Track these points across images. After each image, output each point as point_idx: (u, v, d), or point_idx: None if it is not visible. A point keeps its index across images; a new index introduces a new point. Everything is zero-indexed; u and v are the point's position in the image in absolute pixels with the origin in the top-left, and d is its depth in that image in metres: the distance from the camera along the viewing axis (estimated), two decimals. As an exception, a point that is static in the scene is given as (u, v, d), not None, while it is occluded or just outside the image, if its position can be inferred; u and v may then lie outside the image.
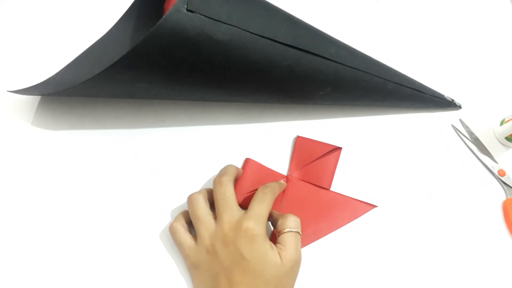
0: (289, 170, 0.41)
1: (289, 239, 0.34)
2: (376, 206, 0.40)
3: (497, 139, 0.46)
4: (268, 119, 0.45)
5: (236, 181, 0.38)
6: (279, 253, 0.33)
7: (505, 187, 0.43)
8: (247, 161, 0.40)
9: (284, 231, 0.34)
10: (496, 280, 0.39)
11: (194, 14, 0.33)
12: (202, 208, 0.35)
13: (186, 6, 0.33)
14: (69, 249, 0.37)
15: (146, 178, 0.41)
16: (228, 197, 0.35)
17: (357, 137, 0.45)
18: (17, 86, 0.41)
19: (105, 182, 0.40)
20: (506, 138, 0.45)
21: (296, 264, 0.34)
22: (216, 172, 0.41)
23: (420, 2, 0.54)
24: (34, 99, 0.43)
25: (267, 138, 0.44)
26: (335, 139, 0.44)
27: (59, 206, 0.39)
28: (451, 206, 0.42)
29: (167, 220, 0.39)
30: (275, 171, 0.41)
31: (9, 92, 0.40)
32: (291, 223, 0.35)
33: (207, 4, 0.34)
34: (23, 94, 0.41)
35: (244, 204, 0.37)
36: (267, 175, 0.40)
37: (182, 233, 0.35)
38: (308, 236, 0.38)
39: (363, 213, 0.40)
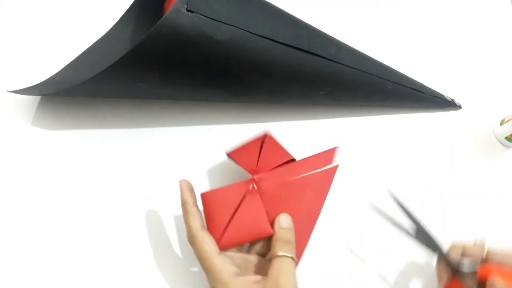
0: (256, 171, 0.35)
1: (276, 265, 0.30)
2: (336, 147, 0.36)
3: (497, 139, 0.46)
4: (268, 119, 0.45)
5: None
6: None
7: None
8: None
9: (276, 255, 0.31)
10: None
11: (194, 14, 0.33)
12: None
13: (186, 6, 0.33)
14: (70, 250, 0.37)
15: (146, 177, 0.41)
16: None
17: (357, 137, 0.45)
18: (17, 86, 0.41)
19: (105, 182, 0.40)
20: (506, 138, 0.45)
21: None
22: (215, 173, 0.41)
23: (420, 2, 0.54)
24: (34, 99, 0.43)
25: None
26: (335, 139, 0.44)
27: (59, 206, 0.39)
28: (451, 206, 0.42)
29: (166, 219, 0.39)
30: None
31: (9, 92, 0.40)
32: (280, 246, 0.31)
33: (207, 4, 0.34)
34: (23, 94, 0.41)
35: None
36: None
37: None
38: (308, 223, 0.35)
39: (331, 162, 0.36)
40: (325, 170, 0.35)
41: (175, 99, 0.44)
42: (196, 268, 0.37)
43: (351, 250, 0.39)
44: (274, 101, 0.43)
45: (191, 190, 0.33)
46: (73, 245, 0.37)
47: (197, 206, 0.33)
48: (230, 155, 0.36)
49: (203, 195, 0.33)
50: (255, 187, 0.34)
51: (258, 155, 0.35)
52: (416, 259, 0.39)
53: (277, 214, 0.33)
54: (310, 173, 0.35)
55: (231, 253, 0.33)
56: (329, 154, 0.37)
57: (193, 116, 0.44)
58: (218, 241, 0.32)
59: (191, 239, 0.32)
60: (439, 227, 0.41)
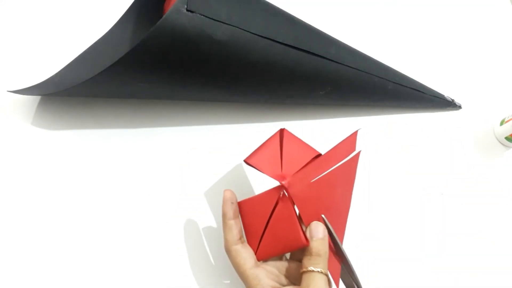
0: (282, 176, 0.32)
1: (304, 282, 0.30)
2: (357, 131, 0.35)
3: (497, 139, 0.46)
4: (268, 119, 0.45)
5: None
6: None
7: None
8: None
9: (306, 269, 0.30)
10: (499, 280, 0.39)
11: (194, 14, 0.33)
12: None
13: (186, 6, 0.33)
14: (70, 250, 0.37)
15: (146, 177, 0.41)
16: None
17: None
18: (17, 86, 0.41)
19: (105, 182, 0.40)
20: (506, 138, 0.45)
21: None
22: (216, 172, 0.41)
23: (420, 2, 0.54)
24: (34, 99, 0.43)
25: (267, 138, 0.44)
26: (335, 139, 0.44)
27: (59, 206, 0.39)
28: (451, 206, 0.42)
29: (166, 219, 0.39)
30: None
31: (9, 92, 0.40)
32: (309, 260, 0.30)
33: (207, 4, 0.34)
34: (23, 94, 0.41)
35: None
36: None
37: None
38: (342, 214, 0.34)
39: (354, 148, 0.35)
40: (350, 159, 0.34)
41: (175, 99, 0.44)
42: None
43: (351, 250, 0.39)
44: (274, 101, 0.43)
45: (233, 202, 0.32)
46: (73, 245, 0.37)
47: (236, 218, 0.32)
48: (248, 161, 0.34)
49: (239, 204, 0.33)
50: (286, 193, 0.32)
51: (280, 156, 0.33)
52: (416, 259, 0.39)
53: (313, 215, 0.32)
54: (337, 165, 0.33)
55: (271, 262, 0.33)
56: (350, 140, 0.35)
57: (193, 116, 0.44)
58: (255, 252, 0.32)
59: (227, 252, 0.32)
60: (439, 227, 0.41)
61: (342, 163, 0.33)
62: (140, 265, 0.37)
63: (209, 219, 0.39)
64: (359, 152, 0.35)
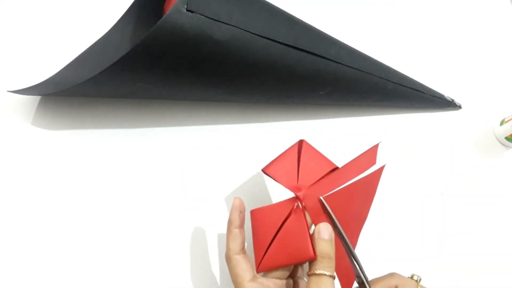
0: (298, 187, 0.32)
1: (312, 285, 0.29)
2: (377, 145, 0.34)
3: (497, 139, 0.46)
4: (268, 119, 0.45)
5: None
6: None
7: None
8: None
9: (313, 272, 0.29)
10: (499, 280, 0.39)
11: (194, 14, 0.33)
12: None
13: (186, 6, 0.33)
14: (70, 250, 0.37)
15: (146, 177, 0.41)
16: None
17: (357, 137, 0.45)
18: (17, 86, 0.41)
19: (105, 182, 0.40)
20: (506, 138, 0.45)
21: None
22: (216, 172, 0.41)
23: (420, 2, 0.54)
24: (34, 99, 0.43)
25: (267, 138, 0.44)
26: (335, 139, 0.44)
27: (59, 206, 0.39)
28: (451, 206, 0.42)
29: (166, 219, 0.39)
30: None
31: (9, 92, 0.40)
32: (318, 262, 0.29)
33: (207, 4, 0.34)
34: (23, 94, 0.41)
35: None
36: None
37: None
38: (356, 228, 0.34)
39: (374, 161, 0.34)
40: (372, 173, 0.33)
41: (175, 99, 0.44)
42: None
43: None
44: (274, 101, 0.43)
45: (241, 211, 0.32)
46: (73, 245, 0.37)
47: (241, 228, 0.32)
48: (266, 171, 0.34)
49: (251, 212, 0.32)
50: (300, 205, 0.31)
51: (297, 168, 0.33)
52: (416, 259, 0.39)
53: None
54: (355, 179, 0.32)
55: (268, 279, 0.31)
56: (370, 154, 0.34)
57: (193, 116, 0.44)
58: (259, 262, 0.31)
59: (227, 260, 0.31)
60: (439, 227, 0.41)
61: (363, 177, 0.33)
62: (139, 265, 0.37)
63: (209, 219, 0.39)
64: (382, 167, 0.34)
